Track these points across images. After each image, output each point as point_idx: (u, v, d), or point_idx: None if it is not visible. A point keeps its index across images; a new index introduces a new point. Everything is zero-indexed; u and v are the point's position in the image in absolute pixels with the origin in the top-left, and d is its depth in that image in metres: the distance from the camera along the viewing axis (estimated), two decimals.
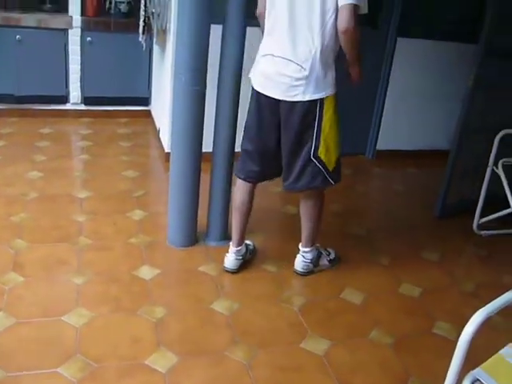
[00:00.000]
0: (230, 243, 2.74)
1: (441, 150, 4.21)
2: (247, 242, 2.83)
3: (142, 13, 4.05)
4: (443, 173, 3.52)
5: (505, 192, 3.18)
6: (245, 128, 2.57)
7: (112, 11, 4.46)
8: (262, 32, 2.44)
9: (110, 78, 4.62)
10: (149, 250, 2.83)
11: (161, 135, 4.21)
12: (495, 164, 3.21)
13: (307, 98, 2.32)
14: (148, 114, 4.85)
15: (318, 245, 2.82)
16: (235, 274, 2.69)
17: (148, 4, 3.95)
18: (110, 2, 4.45)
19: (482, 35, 3.17)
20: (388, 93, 4.35)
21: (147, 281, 2.55)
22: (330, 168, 2.47)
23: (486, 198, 3.36)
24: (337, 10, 2.22)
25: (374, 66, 4.24)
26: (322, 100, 2.34)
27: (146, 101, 4.85)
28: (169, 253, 2.84)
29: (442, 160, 3.59)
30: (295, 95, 2.32)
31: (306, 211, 2.66)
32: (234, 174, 2.74)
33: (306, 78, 2.29)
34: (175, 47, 2.51)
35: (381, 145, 4.51)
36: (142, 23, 4.10)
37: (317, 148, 2.41)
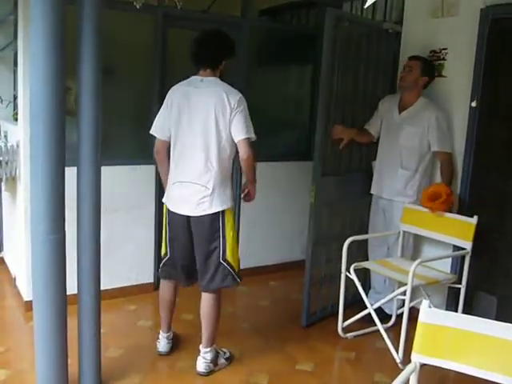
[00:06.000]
0: (160, 331, 3.22)
1: (299, 261, 4.46)
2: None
3: None
4: (303, 282, 3.71)
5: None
6: (167, 239, 3.04)
7: None
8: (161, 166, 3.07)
9: None
10: None
11: (18, 283, 4.00)
12: (347, 269, 3.47)
13: (212, 210, 2.85)
14: (0, 261, 4.60)
15: (214, 345, 3.11)
16: None
17: None
18: None
19: (314, 159, 3.54)
20: (241, 215, 4.56)
21: None
22: (236, 269, 2.99)
23: (346, 301, 3.59)
24: (230, 140, 2.85)
25: None
26: (223, 212, 2.89)
27: None
28: None
29: (301, 270, 3.78)
30: (203, 210, 2.85)
31: (206, 313, 3.02)
32: (158, 275, 3.26)
33: (210, 195, 2.84)
34: (30, 198, 2.47)
35: (243, 263, 4.63)
36: None
37: (224, 252, 2.91)
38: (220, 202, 2.86)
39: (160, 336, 3.24)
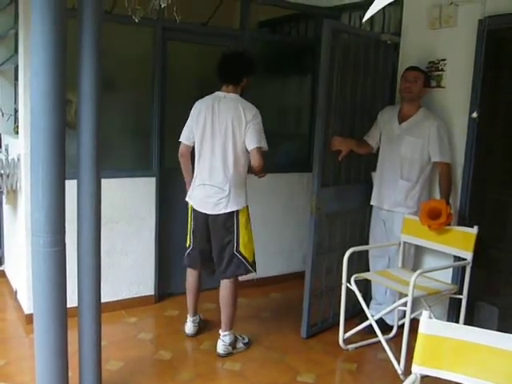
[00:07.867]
0: (188, 315, 3.64)
1: (299, 272, 4.45)
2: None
3: None
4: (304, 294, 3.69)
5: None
6: (192, 232, 3.46)
7: None
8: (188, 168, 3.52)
9: None
10: None
11: (19, 296, 3.99)
12: (348, 280, 3.46)
13: (228, 210, 3.28)
14: (1, 274, 4.60)
15: (233, 330, 3.45)
16: None
17: None
18: None
19: (314, 170, 3.54)
20: None
21: None
22: (250, 260, 3.39)
23: (347, 312, 3.57)
24: (244, 150, 3.26)
25: None
26: (237, 211, 3.30)
27: None
28: None
29: (301, 281, 3.76)
30: (219, 209, 3.28)
31: (224, 299, 3.39)
32: (185, 264, 3.57)
33: (227, 196, 3.26)
34: (30, 211, 2.47)
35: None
36: None
37: (238, 245, 3.33)
38: (235, 202, 3.28)
39: (187, 320, 3.65)
